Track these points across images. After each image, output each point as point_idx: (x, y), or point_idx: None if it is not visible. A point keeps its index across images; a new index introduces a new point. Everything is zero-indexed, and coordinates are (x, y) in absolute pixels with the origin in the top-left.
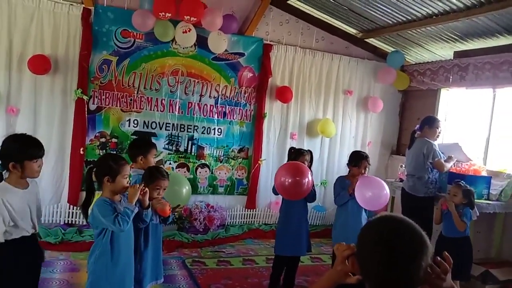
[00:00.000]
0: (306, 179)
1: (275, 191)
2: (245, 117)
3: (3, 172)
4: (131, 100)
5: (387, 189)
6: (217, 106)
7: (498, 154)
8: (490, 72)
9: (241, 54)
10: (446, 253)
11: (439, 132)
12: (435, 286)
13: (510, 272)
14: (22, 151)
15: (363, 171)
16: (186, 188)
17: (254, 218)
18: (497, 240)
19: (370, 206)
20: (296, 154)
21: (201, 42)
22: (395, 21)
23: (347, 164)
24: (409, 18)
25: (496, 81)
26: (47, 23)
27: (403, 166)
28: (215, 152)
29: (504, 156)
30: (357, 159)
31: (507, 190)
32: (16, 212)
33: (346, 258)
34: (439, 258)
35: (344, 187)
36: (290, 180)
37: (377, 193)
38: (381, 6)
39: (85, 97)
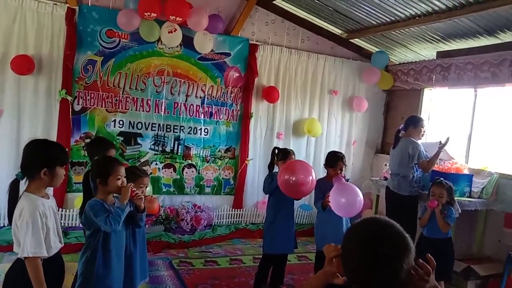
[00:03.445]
0: (310, 177)
1: (267, 190)
2: (231, 117)
3: (24, 181)
4: (116, 100)
5: (360, 196)
6: (204, 106)
7: (480, 152)
8: (471, 72)
9: (227, 54)
10: (429, 255)
11: (424, 132)
12: (419, 287)
13: (491, 267)
14: (57, 157)
15: (339, 172)
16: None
17: (241, 218)
18: (479, 237)
19: (344, 213)
20: (283, 154)
21: (187, 42)
22: (379, 22)
23: (324, 165)
24: (393, 19)
25: (477, 81)
26: (31, 23)
27: (387, 164)
28: (201, 152)
29: (485, 154)
30: (333, 160)
31: (488, 188)
32: (48, 225)
33: (333, 259)
34: (421, 261)
35: (322, 191)
36: (294, 179)
37: (351, 200)
38: (365, 7)
39: (69, 98)
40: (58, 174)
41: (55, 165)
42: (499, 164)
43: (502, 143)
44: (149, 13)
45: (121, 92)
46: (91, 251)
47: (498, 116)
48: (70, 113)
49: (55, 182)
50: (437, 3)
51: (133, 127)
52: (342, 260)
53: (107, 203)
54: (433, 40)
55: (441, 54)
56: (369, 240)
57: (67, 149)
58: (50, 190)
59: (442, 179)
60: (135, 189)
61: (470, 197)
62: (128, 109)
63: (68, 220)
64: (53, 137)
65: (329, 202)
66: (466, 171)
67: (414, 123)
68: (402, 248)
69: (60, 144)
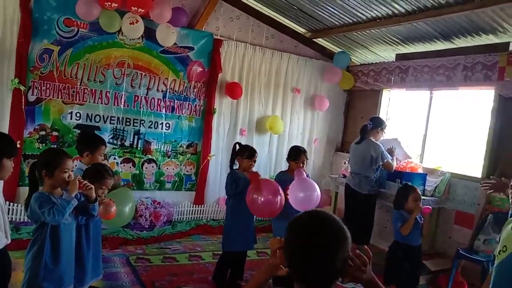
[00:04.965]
0: (279, 197)
1: (231, 194)
2: (194, 112)
3: None
4: (73, 92)
5: (318, 191)
6: (165, 100)
7: (434, 152)
8: (428, 75)
9: (191, 48)
10: (366, 246)
11: (384, 135)
12: (356, 277)
13: (441, 262)
14: (4, 148)
15: (301, 165)
16: (129, 206)
17: (202, 214)
18: (431, 234)
19: (301, 207)
20: (250, 152)
21: (149, 34)
22: (341, 23)
23: (286, 158)
24: (355, 20)
25: (433, 83)
26: None
27: (346, 162)
28: (162, 147)
29: (439, 154)
30: (296, 154)
31: (441, 187)
32: None
33: (276, 251)
34: (358, 251)
35: (283, 183)
36: (263, 199)
37: (309, 195)
38: (329, 7)
39: (22, 88)
40: (6, 166)
41: (3, 157)
42: (451, 164)
43: (454, 144)
44: (110, 3)
45: (78, 83)
46: (38, 246)
47: (451, 118)
48: (24, 104)
49: (2, 175)
50: (397, 6)
51: (90, 120)
52: (284, 252)
53: (54, 196)
54: (392, 43)
55: (399, 57)
56: (305, 230)
57: (19, 142)
58: None
59: (408, 183)
60: (81, 178)
61: (423, 195)
62: (86, 101)
63: (20, 215)
64: (5, 129)
65: (288, 195)
66: (420, 170)
67: (382, 125)
68: (338, 237)
69: (8, 135)
